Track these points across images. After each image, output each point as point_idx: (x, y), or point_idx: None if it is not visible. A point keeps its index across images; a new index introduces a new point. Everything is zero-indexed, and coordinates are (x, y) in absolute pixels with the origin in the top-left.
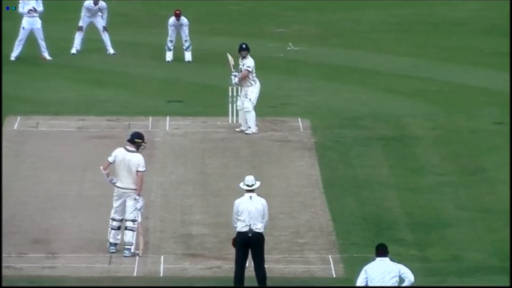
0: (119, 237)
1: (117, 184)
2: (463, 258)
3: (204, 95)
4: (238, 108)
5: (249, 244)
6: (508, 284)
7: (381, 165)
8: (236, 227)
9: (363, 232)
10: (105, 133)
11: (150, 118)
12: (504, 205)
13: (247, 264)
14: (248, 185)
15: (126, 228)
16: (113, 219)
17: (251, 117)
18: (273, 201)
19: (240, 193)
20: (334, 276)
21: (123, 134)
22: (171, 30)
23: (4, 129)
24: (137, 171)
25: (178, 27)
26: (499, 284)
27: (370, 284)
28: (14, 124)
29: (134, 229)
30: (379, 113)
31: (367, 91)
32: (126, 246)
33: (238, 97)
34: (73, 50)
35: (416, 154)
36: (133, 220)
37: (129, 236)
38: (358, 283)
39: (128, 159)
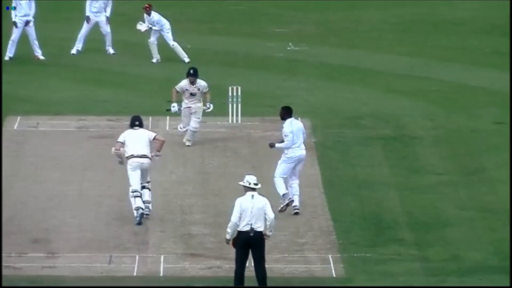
0: (141, 202)
1: (134, 153)
2: (463, 258)
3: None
4: (182, 128)
5: (251, 243)
6: (508, 284)
7: (381, 165)
8: (234, 225)
9: (363, 231)
10: (105, 133)
11: (150, 118)
12: (504, 205)
13: (247, 264)
14: (254, 184)
15: (143, 188)
16: (135, 191)
17: (195, 135)
18: (273, 201)
19: (240, 192)
20: (334, 276)
21: None
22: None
23: (4, 129)
24: (155, 139)
25: (154, 22)
26: (499, 284)
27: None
28: (14, 124)
29: (150, 188)
30: (379, 112)
31: (367, 90)
32: (146, 204)
33: (183, 120)
34: (73, 51)
35: (416, 154)
36: (148, 182)
37: (147, 195)
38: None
39: (140, 134)
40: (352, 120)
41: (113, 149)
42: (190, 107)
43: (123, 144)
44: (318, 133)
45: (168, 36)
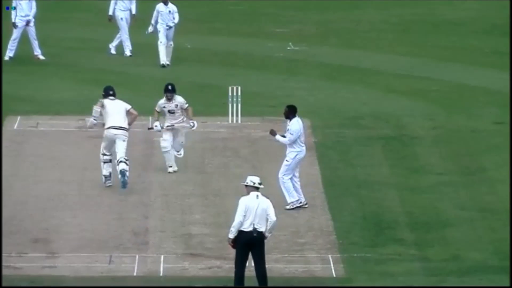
0: (110, 169)
1: (112, 124)
2: (463, 258)
3: (204, 95)
4: (165, 150)
5: (252, 243)
6: (508, 284)
7: (381, 165)
8: (239, 224)
9: (363, 231)
10: None
11: (150, 118)
12: (504, 205)
13: (247, 264)
14: (259, 183)
15: (121, 162)
16: (104, 154)
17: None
18: (273, 201)
19: (241, 192)
20: (334, 275)
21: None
22: (157, 19)
23: (4, 129)
24: (129, 110)
25: (166, 14)
26: (499, 284)
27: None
28: (14, 124)
29: (127, 162)
30: (379, 112)
31: (367, 90)
32: (123, 171)
33: (163, 139)
34: (127, 52)
35: (416, 154)
36: (127, 159)
37: (124, 165)
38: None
39: (117, 105)
40: (352, 120)
41: (92, 114)
42: (173, 125)
43: (103, 107)
44: (318, 133)
45: (171, 34)
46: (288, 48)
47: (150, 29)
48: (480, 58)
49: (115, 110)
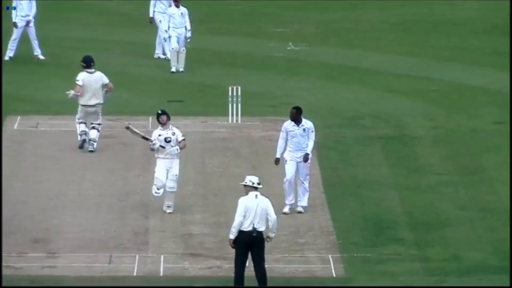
0: (86, 128)
1: (87, 103)
2: (463, 258)
3: (204, 95)
4: (157, 195)
5: (252, 243)
6: (508, 284)
7: (381, 165)
8: (239, 225)
9: (363, 231)
10: (105, 132)
11: (150, 118)
12: (504, 205)
13: (247, 264)
14: (257, 183)
15: (93, 128)
16: (79, 118)
17: (173, 196)
18: (273, 201)
19: (241, 192)
20: (334, 275)
21: (123, 134)
22: (168, 21)
23: (4, 129)
24: (106, 84)
25: (179, 17)
26: (499, 284)
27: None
28: (14, 124)
29: (99, 129)
30: (379, 112)
31: (367, 90)
32: (91, 142)
33: (157, 177)
34: (157, 55)
35: (416, 154)
36: (99, 124)
37: (94, 134)
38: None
39: (96, 81)
40: (352, 120)
41: (72, 92)
42: (166, 159)
43: (81, 87)
44: (318, 133)
45: (184, 40)
46: (288, 48)
47: (167, 35)
48: (480, 58)
49: (92, 86)
